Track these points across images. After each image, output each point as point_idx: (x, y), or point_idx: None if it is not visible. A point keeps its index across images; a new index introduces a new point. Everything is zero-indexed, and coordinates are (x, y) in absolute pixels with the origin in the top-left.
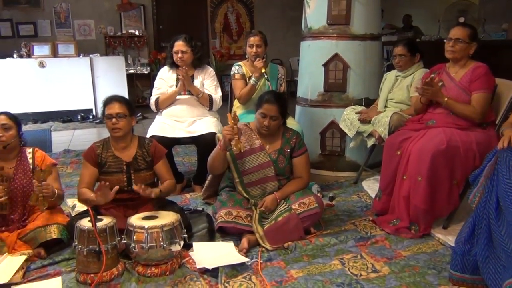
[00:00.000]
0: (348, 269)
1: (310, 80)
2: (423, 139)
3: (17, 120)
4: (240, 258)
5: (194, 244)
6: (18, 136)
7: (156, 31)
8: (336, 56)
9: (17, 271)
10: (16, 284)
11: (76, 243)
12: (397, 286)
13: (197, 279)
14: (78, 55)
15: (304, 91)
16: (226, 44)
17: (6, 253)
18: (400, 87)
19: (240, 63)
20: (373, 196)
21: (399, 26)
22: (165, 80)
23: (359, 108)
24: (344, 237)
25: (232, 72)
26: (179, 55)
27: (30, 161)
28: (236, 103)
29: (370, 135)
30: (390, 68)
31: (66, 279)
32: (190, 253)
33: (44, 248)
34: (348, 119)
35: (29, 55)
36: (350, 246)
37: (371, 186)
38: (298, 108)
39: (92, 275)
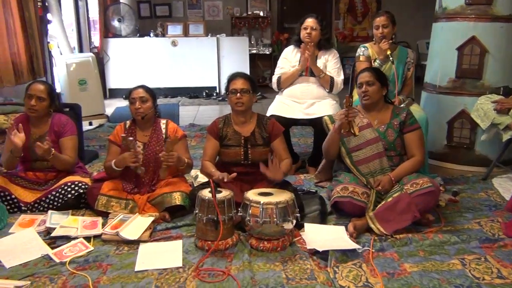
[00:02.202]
0: (470, 270)
1: (440, 65)
2: None
3: (153, 93)
4: (352, 244)
5: (306, 224)
6: (154, 108)
7: (280, 12)
8: (472, 39)
9: (146, 230)
10: (144, 241)
11: (197, 211)
12: None
13: (306, 259)
14: (206, 35)
15: (432, 77)
16: (350, 25)
17: (137, 213)
18: None
19: (366, 44)
20: (505, 195)
21: None
22: (288, 60)
23: (496, 97)
24: (467, 236)
25: (357, 54)
26: (308, 30)
27: (164, 131)
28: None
29: (507, 128)
30: None
31: (186, 243)
32: (301, 233)
33: (169, 212)
34: (481, 108)
35: (163, 34)
36: (473, 247)
37: (503, 185)
38: (424, 95)
39: (209, 242)
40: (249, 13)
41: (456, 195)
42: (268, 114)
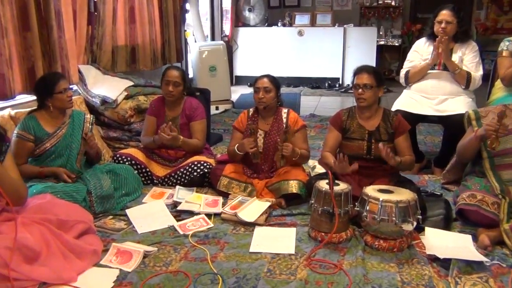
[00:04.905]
0: None
1: None
2: None
3: (277, 83)
4: (478, 256)
5: (427, 228)
6: (276, 98)
7: (413, 1)
8: None
9: (262, 214)
10: (260, 225)
11: (312, 201)
12: None
13: (425, 265)
14: (333, 25)
15: None
16: (494, 16)
17: (255, 197)
18: None
19: (511, 38)
20: None
21: None
22: (419, 53)
23: None
24: None
25: (499, 49)
26: (442, 25)
27: (284, 120)
28: (497, 84)
29: None
30: None
31: (300, 231)
32: (421, 237)
33: (285, 199)
34: None
35: (291, 24)
36: None
37: None
38: None
39: (322, 233)
40: (379, 2)
41: None
42: (393, 109)
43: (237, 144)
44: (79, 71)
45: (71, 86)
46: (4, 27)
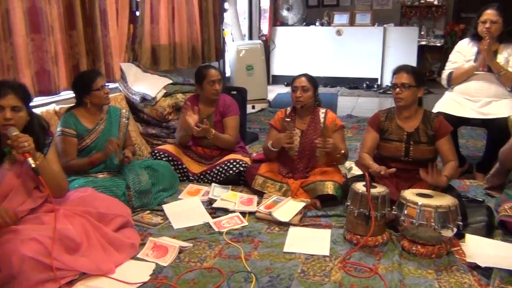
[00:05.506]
0: None
1: None
2: None
3: (315, 82)
4: None
5: (468, 235)
6: (314, 97)
7: (457, 0)
8: None
9: (296, 214)
10: (294, 225)
11: (348, 203)
12: None
13: (464, 273)
14: (373, 25)
15: None
16: None
17: (290, 197)
18: None
19: None
20: None
21: None
22: (462, 54)
23: None
24: None
25: None
26: (487, 25)
27: (322, 120)
28: None
29: None
30: None
31: (335, 233)
32: (461, 244)
33: (320, 200)
34: None
35: (329, 23)
36: None
37: None
38: None
39: (358, 236)
40: (421, 1)
41: None
42: (434, 111)
43: (272, 141)
44: (121, 69)
45: (110, 84)
46: (51, 26)
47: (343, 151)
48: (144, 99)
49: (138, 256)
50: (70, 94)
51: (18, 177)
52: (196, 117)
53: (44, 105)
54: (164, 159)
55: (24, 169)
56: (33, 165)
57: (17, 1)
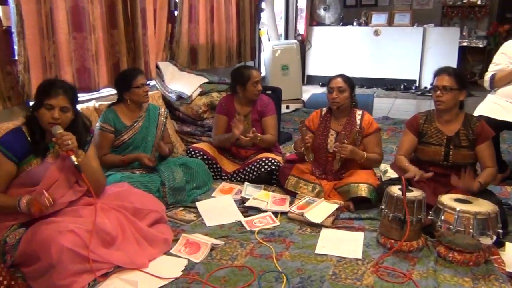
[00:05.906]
0: None
1: None
2: None
3: (351, 83)
4: None
5: (508, 244)
6: (350, 98)
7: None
8: None
9: (329, 216)
10: (326, 227)
11: (383, 207)
12: None
13: (503, 282)
14: (412, 25)
15: None
16: None
17: (323, 199)
18: None
19: None
20: None
21: None
22: (507, 55)
23: None
24: None
25: None
26: None
27: (358, 122)
28: None
29: None
30: None
31: (368, 237)
32: (501, 252)
33: (353, 202)
34: None
35: (366, 23)
36: None
37: None
38: None
39: (392, 240)
40: (464, 1)
41: None
42: (475, 114)
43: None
44: (158, 67)
45: (148, 82)
46: (92, 25)
47: (366, 156)
48: (180, 97)
49: (171, 251)
50: (110, 91)
51: (60, 171)
52: (241, 126)
53: (84, 102)
54: (199, 157)
55: (66, 163)
56: (76, 163)
57: (61, 0)
